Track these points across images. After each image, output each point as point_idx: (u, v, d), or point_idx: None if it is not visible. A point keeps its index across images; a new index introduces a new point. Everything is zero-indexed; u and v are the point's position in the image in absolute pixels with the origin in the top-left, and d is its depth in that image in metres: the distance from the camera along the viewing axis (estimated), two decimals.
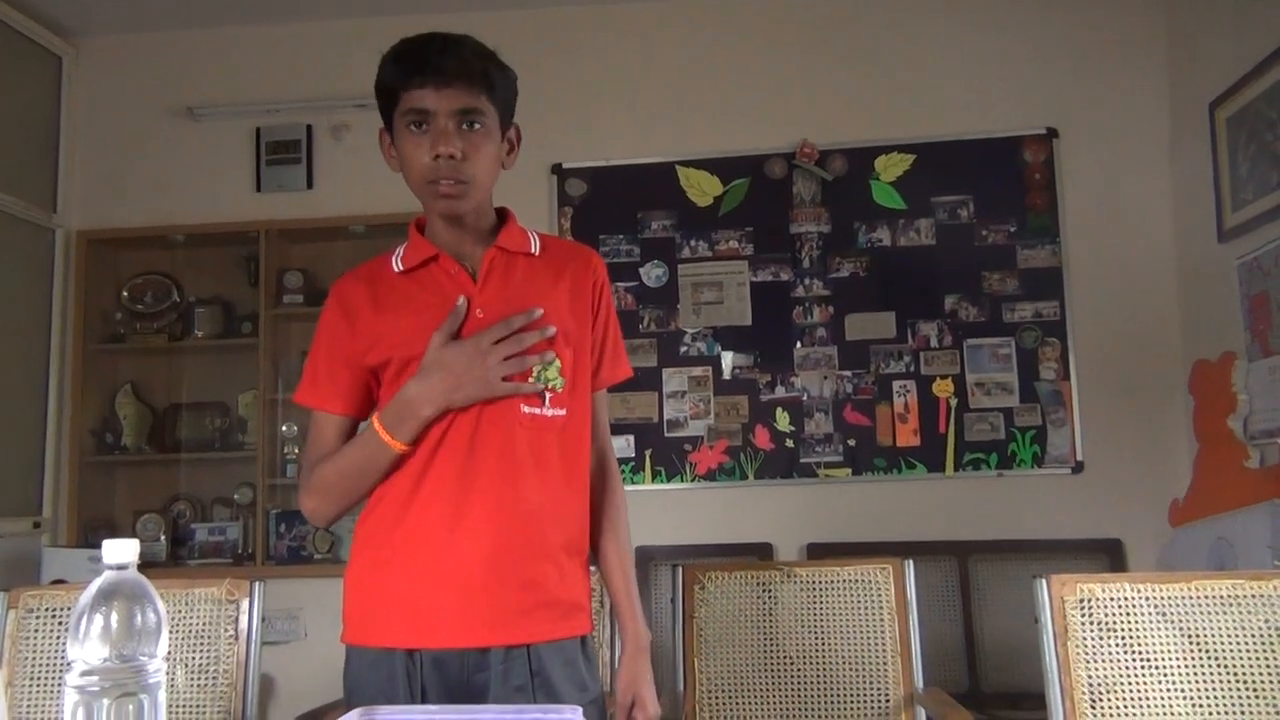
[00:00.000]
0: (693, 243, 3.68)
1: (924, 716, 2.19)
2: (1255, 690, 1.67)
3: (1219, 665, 1.68)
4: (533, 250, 1.53)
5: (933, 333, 3.57)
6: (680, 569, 2.30)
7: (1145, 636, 1.70)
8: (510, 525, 1.41)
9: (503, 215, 1.56)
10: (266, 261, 3.72)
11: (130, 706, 0.84)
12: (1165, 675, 1.69)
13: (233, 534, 3.72)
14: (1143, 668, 1.69)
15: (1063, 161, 3.59)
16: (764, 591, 2.28)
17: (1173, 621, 1.71)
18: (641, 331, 3.64)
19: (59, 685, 1.92)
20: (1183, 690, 1.68)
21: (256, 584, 2.00)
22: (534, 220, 2.92)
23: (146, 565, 0.99)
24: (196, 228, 3.80)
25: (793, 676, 2.23)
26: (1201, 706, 1.67)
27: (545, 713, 1.10)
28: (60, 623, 1.99)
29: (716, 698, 2.22)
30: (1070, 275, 3.54)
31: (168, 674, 0.90)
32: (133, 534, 3.66)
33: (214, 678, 1.95)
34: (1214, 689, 1.68)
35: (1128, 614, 1.72)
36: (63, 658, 1.95)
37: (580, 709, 1.08)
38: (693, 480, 3.59)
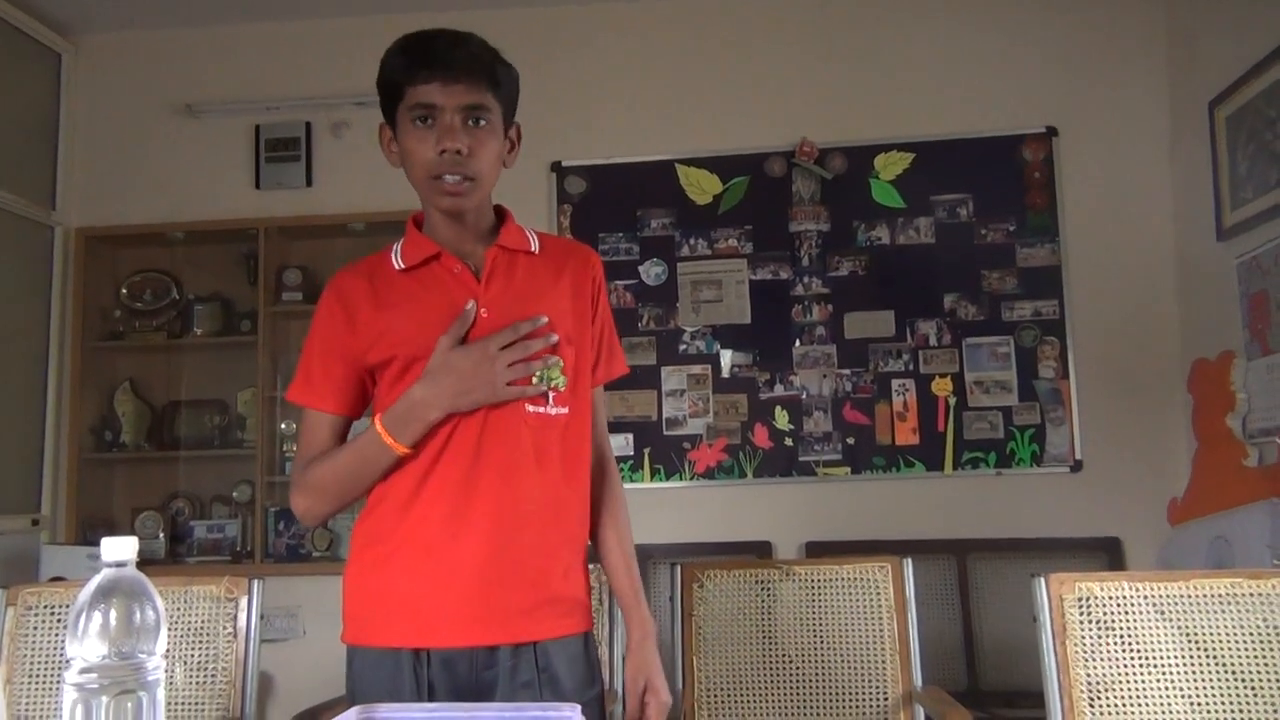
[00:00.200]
0: (692, 241, 3.68)
1: (922, 715, 2.19)
2: (1253, 689, 1.67)
3: (1217, 664, 1.68)
4: (532, 248, 1.53)
5: (932, 331, 3.57)
6: (679, 567, 2.30)
7: (1144, 635, 1.70)
8: (515, 523, 1.42)
9: (500, 213, 1.56)
10: (266, 259, 3.71)
11: (129, 704, 0.84)
12: (1164, 674, 1.69)
13: (231, 532, 3.72)
14: (1141, 666, 1.69)
15: (1062, 160, 3.59)
16: (763, 590, 2.28)
17: (1171, 620, 1.71)
18: (640, 330, 3.64)
19: (58, 682, 1.92)
20: (1181, 689, 1.68)
21: (255, 582, 2.01)
22: (533, 218, 2.92)
23: (145, 563, 0.99)
24: (196, 225, 3.79)
25: (791, 675, 2.23)
26: (1200, 705, 1.67)
27: (545, 711, 1.10)
28: (59, 620, 1.99)
29: (715, 696, 2.22)
30: (1069, 274, 3.54)
31: (166, 671, 0.90)
32: (131, 531, 3.66)
33: (213, 675, 1.95)
34: (1212, 687, 1.68)
35: (1126, 613, 1.72)
36: (61, 655, 1.95)
37: (579, 707, 1.08)
38: (692, 478, 3.59)
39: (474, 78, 1.41)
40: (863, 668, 2.22)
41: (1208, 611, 1.71)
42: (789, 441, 3.57)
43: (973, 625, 3.38)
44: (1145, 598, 1.72)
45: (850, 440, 3.56)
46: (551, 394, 1.45)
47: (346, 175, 3.77)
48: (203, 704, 1.94)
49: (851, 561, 2.29)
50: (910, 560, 2.28)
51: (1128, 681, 1.69)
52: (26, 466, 3.63)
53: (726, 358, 3.63)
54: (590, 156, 3.74)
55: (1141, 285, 3.52)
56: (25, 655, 1.98)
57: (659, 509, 3.52)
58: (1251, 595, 1.71)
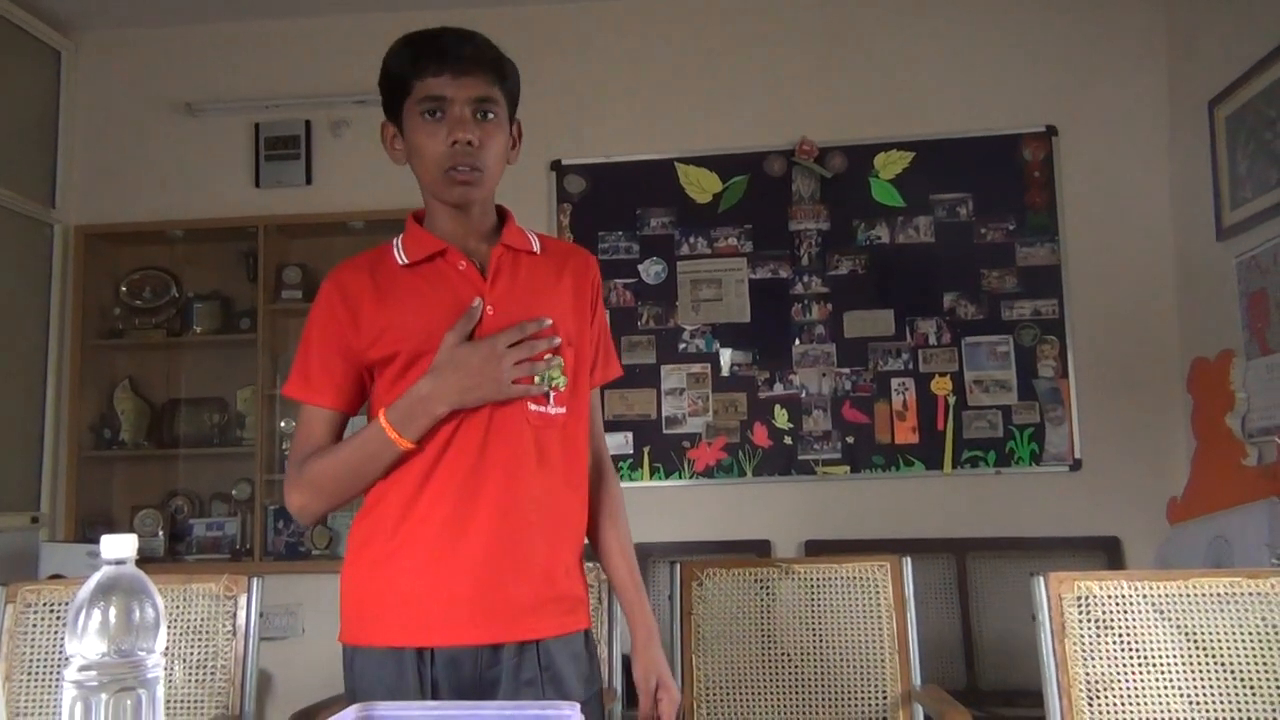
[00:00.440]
0: (692, 240, 3.68)
1: (921, 713, 2.19)
2: (1252, 687, 1.68)
3: (1216, 663, 1.69)
4: (534, 249, 1.54)
5: (931, 330, 3.57)
6: (678, 566, 2.30)
7: (1143, 634, 1.70)
8: (518, 522, 1.42)
9: (502, 213, 1.56)
10: (265, 257, 3.71)
11: (128, 701, 0.84)
12: (1162, 672, 1.69)
13: (231, 529, 3.72)
14: (1140, 665, 1.69)
15: (1062, 159, 3.59)
16: (762, 589, 2.28)
17: (1170, 619, 1.71)
18: (640, 328, 3.64)
19: (57, 680, 1.92)
20: (1180, 687, 1.68)
21: (254, 580, 2.01)
22: (533, 217, 2.92)
23: (144, 561, 0.98)
24: (195, 223, 3.79)
25: (791, 673, 2.23)
26: (1198, 704, 1.67)
27: (544, 709, 1.10)
28: (58, 618, 2.00)
29: (714, 695, 2.23)
30: (1069, 273, 3.54)
31: (166, 669, 0.90)
32: (131, 529, 3.66)
33: (212, 673, 1.95)
34: (1211, 686, 1.68)
35: (1125, 611, 1.72)
36: (61, 653, 1.95)
37: (578, 705, 1.08)
38: (691, 477, 3.59)
39: (483, 71, 1.42)
40: (862, 666, 2.22)
41: (1207, 611, 1.71)
42: (788, 440, 3.57)
43: (972, 624, 3.38)
44: (1144, 597, 1.72)
45: (850, 439, 3.56)
46: (552, 393, 1.45)
47: (346, 173, 3.77)
48: (202, 702, 1.94)
49: (851, 560, 2.30)
50: (909, 559, 2.28)
51: (1127, 680, 1.69)
52: (26, 464, 3.63)
53: (726, 356, 3.63)
54: (590, 155, 3.74)
55: (1141, 284, 3.52)
56: (24, 653, 1.98)
57: (658, 508, 3.53)
58: (1250, 594, 1.71)
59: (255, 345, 3.68)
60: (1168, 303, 3.51)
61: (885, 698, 2.20)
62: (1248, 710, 1.66)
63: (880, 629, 2.24)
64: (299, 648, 3.52)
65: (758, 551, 3.50)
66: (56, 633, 1.98)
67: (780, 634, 2.24)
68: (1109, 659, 1.70)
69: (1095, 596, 1.73)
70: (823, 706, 2.20)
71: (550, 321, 1.44)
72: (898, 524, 3.47)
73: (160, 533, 3.70)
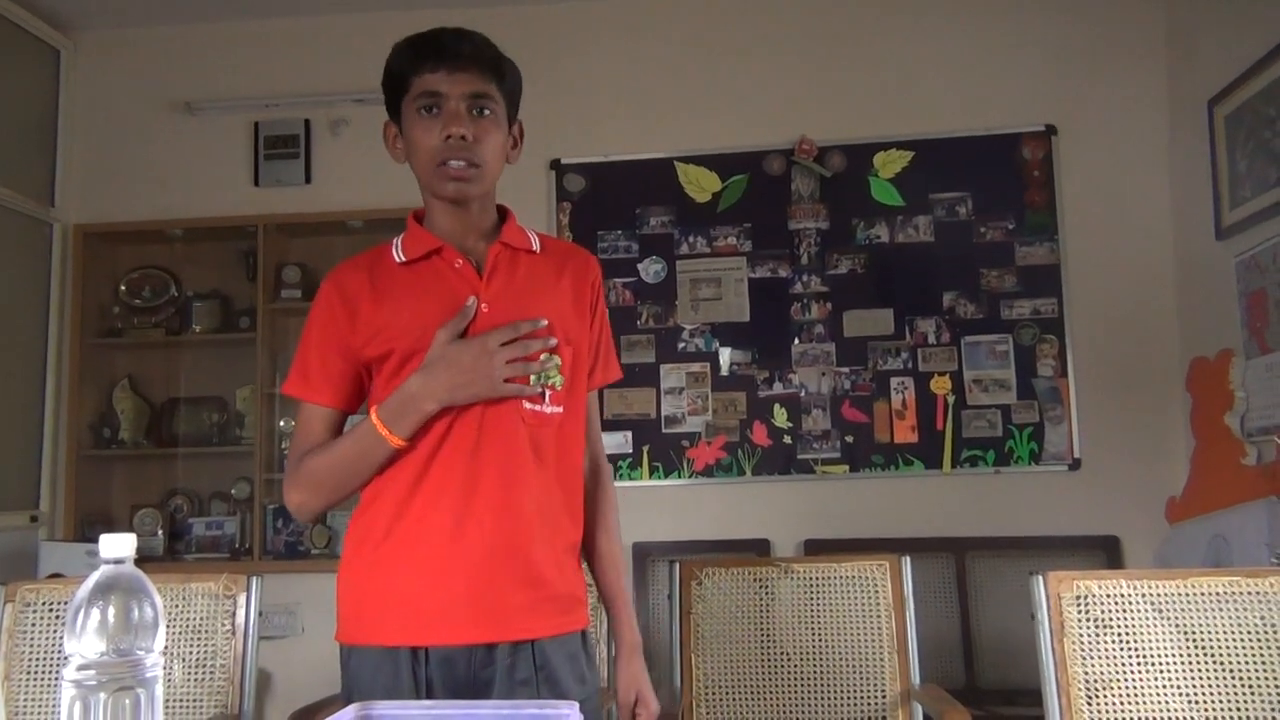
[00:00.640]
0: (691, 239, 3.68)
1: (920, 712, 2.19)
2: (1251, 686, 1.68)
3: (1215, 662, 1.69)
4: (534, 248, 1.54)
5: (931, 329, 3.57)
6: (678, 565, 2.30)
7: (1142, 633, 1.71)
8: (513, 521, 1.41)
9: (502, 213, 1.56)
10: (264, 256, 3.71)
11: (127, 701, 0.84)
12: (1161, 671, 1.69)
13: (230, 529, 3.72)
14: (1139, 664, 1.69)
15: (1061, 159, 3.59)
16: (761, 588, 2.28)
17: (1169, 618, 1.71)
18: (640, 327, 3.64)
19: (56, 679, 1.92)
20: (1179, 686, 1.68)
21: (253, 579, 2.01)
22: (532, 216, 2.92)
23: (143, 560, 0.98)
24: (194, 222, 3.79)
25: (790, 673, 2.23)
26: (1197, 703, 1.68)
27: (542, 708, 1.10)
28: (57, 617, 2.00)
29: (714, 694, 2.23)
30: (1068, 272, 3.54)
31: (165, 668, 0.90)
32: (130, 528, 3.66)
33: (211, 672, 1.95)
34: (1210, 685, 1.68)
35: (1124, 610, 1.72)
36: (59, 652, 1.95)
37: (577, 704, 1.08)
38: (690, 476, 3.59)
39: (479, 67, 1.43)
40: (861, 665, 2.22)
41: (1206, 610, 1.71)
42: (788, 439, 3.57)
43: (971, 623, 3.38)
44: (1143, 596, 1.72)
45: (849, 438, 3.56)
46: (548, 392, 1.45)
47: (345, 172, 3.76)
48: (201, 701, 1.94)
49: (850, 559, 2.30)
50: (909, 558, 2.28)
51: (1125, 679, 1.69)
52: (25, 463, 3.63)
53: (725, 356, 3.63)
54: (589, 154, 3.74)
55: (1140, 284, 3.52)
56: (23, 652, 1.98)
57: (657, 507, 3.53)
58: (1249, 594, 1.72)
59: (254, 344, 3.68)
60: (1167, 302, 3.50)
61: (884, 697, 2.20)
62: (1247, 709, 1.66)
63: (879, 628, 2.24)
64: (298, 647, 3.52)
65: (757, 551, 3.50)
66: (55, 632, 1.98)
67: (779, 633, 2.24)
68: (1108, 658, 1.70)
69: (1094, 596, 1.73)
70: (822, 705, 2.20)
71: (546, 321, 1.44)
72: (897, 523, 3.47)
73: (159, 532, 3.70)
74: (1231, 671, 1.68)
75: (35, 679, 1.97)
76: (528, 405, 1.44)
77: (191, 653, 1.96)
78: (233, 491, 3.76)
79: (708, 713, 2.21)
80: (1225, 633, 1.70)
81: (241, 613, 1.98)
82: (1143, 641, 1.70)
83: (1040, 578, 1.75)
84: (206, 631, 1.98)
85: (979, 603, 3.41)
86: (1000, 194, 3.59)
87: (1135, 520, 3.42)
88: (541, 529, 1.44)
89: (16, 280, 3.65)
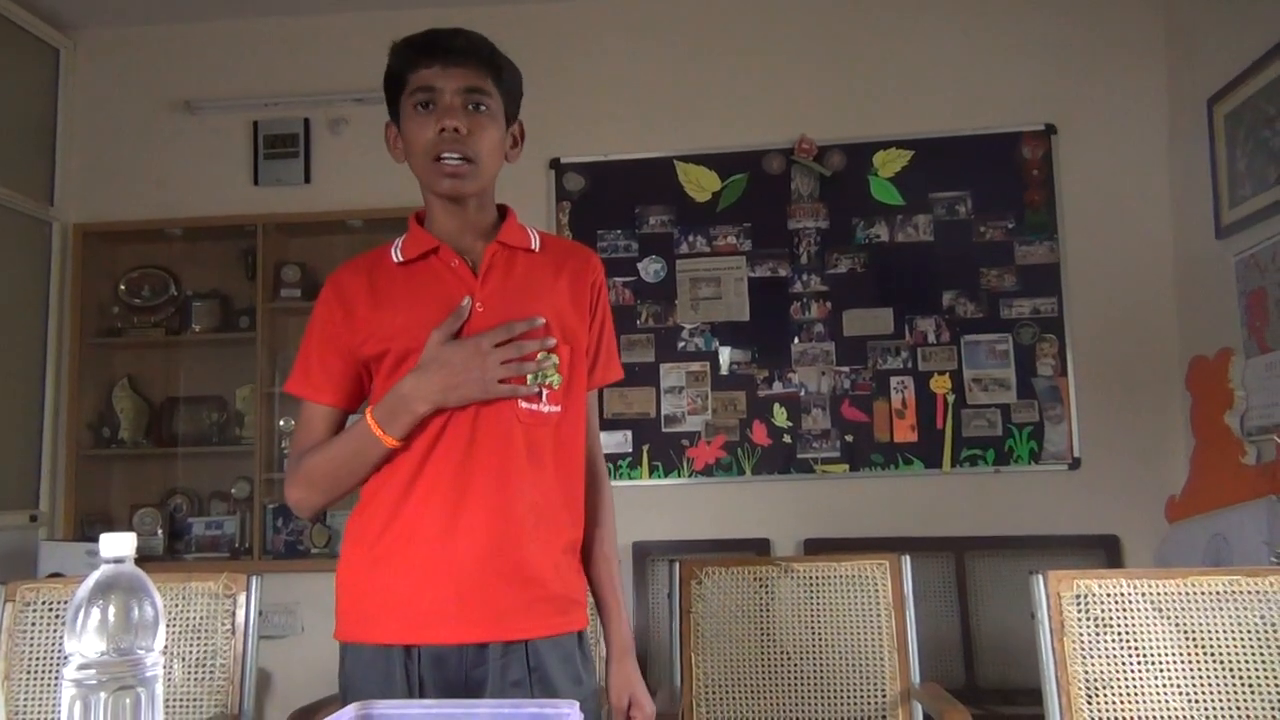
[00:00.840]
0: (691, 238, 3.68)
1: (920, 711, 2.19)
2: (1251, 685, 1.68)
3: (1215, 661, 1.69)
4: (533, 246, 1.54)
5: (930, 329, 3.57)
6: (677, 564, 2.30)
7: (1141, 632, 1.71)
8: (507, 521, 1.41)
9: (503, 212, 1.56)
10: (264, 255, 3.71)
11: (127, 700, 0.84)
12: (1161, 670, 1.69)
13: (230, 528, 3.72)
14: (1139, 663, 1.69)
15: (1061, 158, 3.59)
16: (761, 587, 2.28)
17: (1169, 617, 1.71)
18: (639, 327, 3.64)
19: (56, 679, 1.92)
20: (1178, 685, 1.69)
21: (253, 578, 2.01)
22: (532, 215, 2.92)
23: (143, 559, 0.99)
24: (194, 221, 3.79)
25: (789, 672, 2.23)
26: (1197, 702, 1.68)
27: (542, 707, 1.10)
28: (57, 616, 2.00)
29: (713, 693, 2.23)
30: (1068, 271, 3.54)
31: (165, 668, 0.90)
32: (130, 528, 3.66)
33: (211, 671, 1.95)
34: (1209, 684, 1.68)
35: (1124, 610, 1.72)
36: (59, 651, 1.95)
37: (576, 704, 1.08)
38: (690, 475, 3.59)
39: (473, 62, 1.43)
40: (861, 665, 2.22)
41: (1205, 609, 1.71)
42: (787, 439, 3.57)
43: (971, 622, 3.39)
44: (1143, 595, 1.72)
45: (849, 438, 3.56)
46: (545, 391, 1.45)
47: (345, 172, 3.76)
48: (201, 700, 1.94)
49: (850, 559, 2.30)
50: (908, 557, 2.28)
51: (1125, 678, 1.69)
52: (25, 463, 3.63)
53: (725, 355, 3.63)
54: (589, 153, 3.74)
55: (1140, 283, 3.52)
56: (23, 651, 1.98)
57: (657, 506, 3.53)
58: (1249, 593, 1.72)
59: (254, 344, 3.67)
60: (1167, 301, 3.50)
61: (884, 696, 2.20)
62: (1246, 708, 1.67)
63: (879, 627, 2.24)
64: (298, 646, 3.53)
65: (757, 550, 3.50)
66: (55, 631, 1.98)
67: (779, 632, 2.25)
68: (1108, 657, 1.70)
69: (1094, 595, 1.73)
70: (822, 704, 2.20)
71: (543, 321, 1.44)
72: (897, 522, 3.47)
73: (159, 531, 3.70)
74: (1231, 670, 1.68)
75: (35, 678, 1.97)
76: (524, 405, 1.44)
77: (191, 652, 1.96)
78: (232, 491, 3.76)
79: (707, 712, 2.21)
80: (1225, 632, 1.70)
81: (241, 612, 1.98)
82: (1143, 641, 1.70)
83: (1040, 577, 1.75)
84: (206, 631, 1.98)
85: (979, 602, 3.41)
86: (1000, 193, 3.59)
87: (1135, 519, 3.42)
88: (536, 529, 1.44)
89: (16, 280, 3.65)
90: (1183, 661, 1.69)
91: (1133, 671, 1.69)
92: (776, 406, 3.58)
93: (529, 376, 1.42)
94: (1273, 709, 1.66)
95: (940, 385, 3.54)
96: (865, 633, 2.24)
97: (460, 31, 1.45)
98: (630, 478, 3.57)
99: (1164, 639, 1.70)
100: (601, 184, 3.73)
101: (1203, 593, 1.72)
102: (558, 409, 1.47)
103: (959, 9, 3.68)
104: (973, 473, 3.51)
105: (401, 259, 1.49)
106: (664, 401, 3.62)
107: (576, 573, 1.51)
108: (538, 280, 1.50)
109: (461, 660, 1.40)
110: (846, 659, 2.22)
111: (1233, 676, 1.68)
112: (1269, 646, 1.69)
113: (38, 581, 2.08)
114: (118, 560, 0.88)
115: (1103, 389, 3.49)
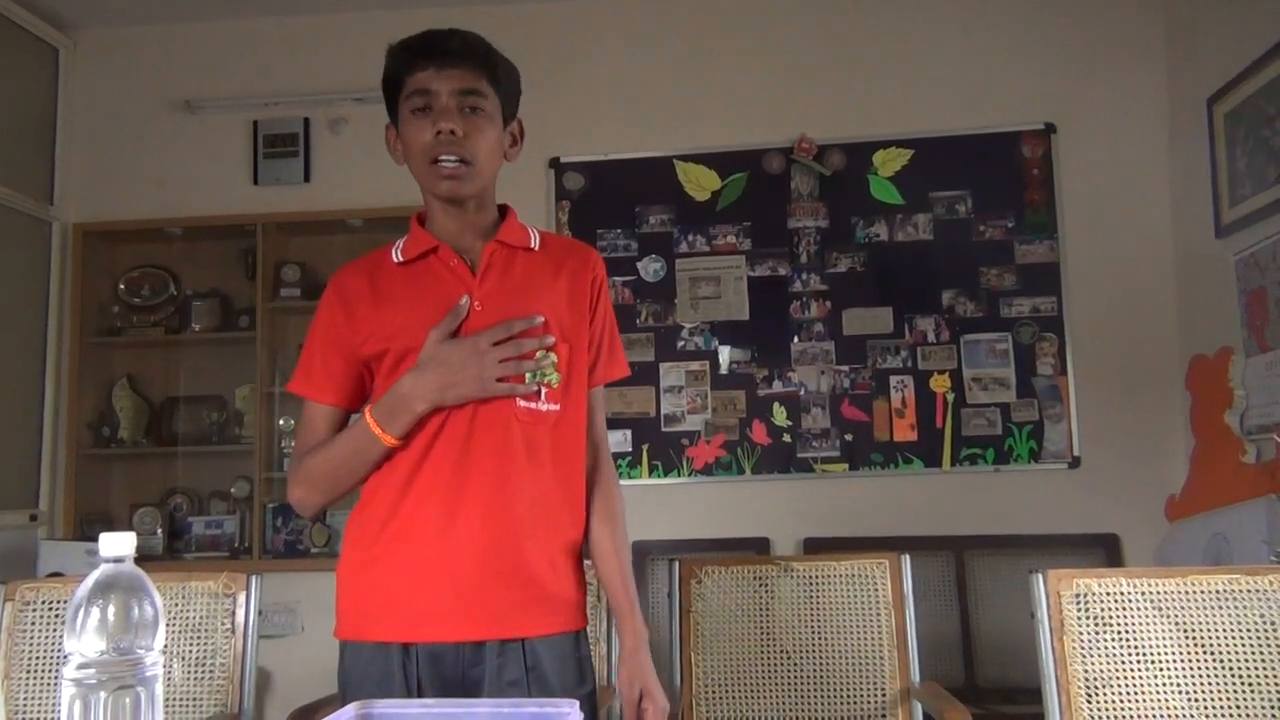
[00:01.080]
0: (690, 237, 3.68)
1: (920, 711, 2.19)
2: (1250, 685, 1.68)
3: (1215, 660, 1.69)
4: (533, 245, 1.54)
5: (930, 328, 3.57)
6: (677, 563, 2.30)
7: (1141, 631, 1.71)
8: (505, 520, 1.41)
9: (503, 212, 1.56)
10: (264, 255, 3.71)
11: (127, 700, 0.84)
12: (1161, 670, 1.69)
13: (229, 528, 3.72)
14: (1139, 662, 1.69)
15: (1061, 157, 3.59)
16: (761, 586, 2.28)
17: (1169, 616, 1.71)
18: (639, 326, 3.64)
19: (56, 678, 1.92)
20: (1178, 685, 1.68)
21: (253, 578, 2.01)
22: (531, 214, 2.91)
23: (143, 559, 0.99)
24: (194, 221, 3.79)
25: (789, 671, 2.23)
26: (1197, 701, 1.68)
27: (542, 707, 1.10)
28: (57, 616, 1.99)
29: (713, 692, 2.23)
30: (1068, 271, 3.54)
31: (164, 667, 0.90)
32: (129, 527, 3.66)
33: (211, 671, 1.95)
34: (1210, 683, 1.68)
35: (1124, 609, 1.72)
36: (59, 651, 1.95)
37: (576, 703, 1.08)
38: (690, 475, 3.59)
39: (469, 63, 1.43)
40: (861, 664, 2.22)
41: (1205, 608, 1.71)
42: (787, 438, 3.57)
43: (970, 621, 3.39)
44: (1143, 594, 1.72)
45: (848, 437, 3.56)
46: (544, 390, 1.45)
47: (344, 171, 3.76)
48: (201, 699, 1.94)
49: (849, 558, 2.29)
50: (908, 556, 2.28)
51: (1125, 677, 1.69)
52: (24, 462, 3.63)
53: (725, 354, 3.63)
54: (588, 153, 3.74)
55: (1140, 282, 3.52)
56: (23, 651, 1.98)
57: (657, 505, 3.53)
58: (1249, 591, 1.72)
59: (254, 343, 3.67)
60: (1166, 300, 3.50)
61: (884, 695, 2.20)
62: (1246, 707, 1.67)
63: (879, 626, 2.24)
64: (298, 646, 3.52)
65: (756, 549, 3.50)
66: (55, 631, 1.98)
67: (779, 631, 2.24)
68: (1108, 656, 1.70)
69: (1094, 594, 1.73)
70: (821, 704, 2.20)
71: (541, 320, 1.44)
72: (896, 521, 3.47)
73: (159, 531, 3.70)
74: (1231, 669, 1.68)
75: (35, 678, 1.97)
76: (522, 403, 1.44)
77: (191, 651, 1.96)
78: (232, 490, 3.76)
79: (707, 711, 2.21)
80: (1225, 630, 1.70)
81: (241, 611, 1.98)
82: (1142, 639, 1.70)
83: (1040, 576, 1.74)
84: (206, 630, 1.98)
85: (978, 601, 3.41)
86: (1000, 192, 3.59)
87: (1135, 518, 3.42)
88: (534, 528, 1.44)
89: (16, 279, 3.65)
90: (1183, 660, 1.69)
91: (1132, 670, 1.69)
92: (776, 406, 3.58)
93: (527, 375, 1.42)
94: (1273, 708, 1.66)
95: (940, 384, 3.54)
96: (865, 632, 2.24)
97: (455, 32, 1.45)
98: (630, 477, 3.57)
99: (1164, 638, 1.70)
100: (601, 183, 3.73)
101: (1203, 592, 1.72)
102: (556, 407, 1.47)
103: (959, 9, 3.68)
104: (972, 472, 3.51)
105: (401, 259, 1.50)
106: (664, 401, 3.62)
107: (575, 572, 1.51)
108: (537, 279, 1.50)
109: (459, 659, 1.41)
110: (846, 658, 2.22)
111: (1232, 675, 1.68)
112: (1269, 645, 1.69)
113: (37, 581, 2.08)
114: (117, 560, 0.88)
115: (1102, 388, 3.49)
